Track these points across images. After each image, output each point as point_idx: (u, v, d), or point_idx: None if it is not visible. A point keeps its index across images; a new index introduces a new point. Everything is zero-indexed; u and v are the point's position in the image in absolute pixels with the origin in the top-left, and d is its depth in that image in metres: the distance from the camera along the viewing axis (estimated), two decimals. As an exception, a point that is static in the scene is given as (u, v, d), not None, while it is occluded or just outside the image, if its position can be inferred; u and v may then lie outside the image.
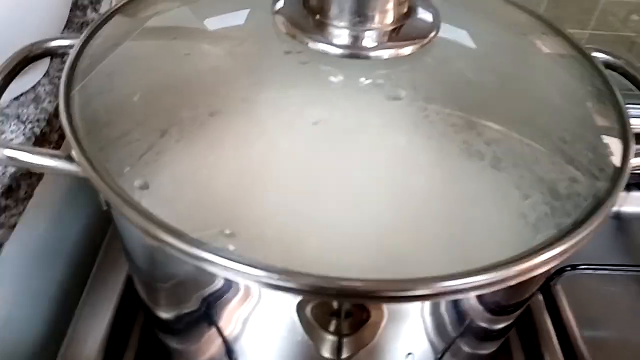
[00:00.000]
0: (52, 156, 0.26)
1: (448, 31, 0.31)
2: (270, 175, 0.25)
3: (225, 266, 0.21)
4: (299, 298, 0.24)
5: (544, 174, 0.25)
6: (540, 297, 0.46)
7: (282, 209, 0.24)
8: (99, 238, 0.47)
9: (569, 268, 0.47)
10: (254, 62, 0.29)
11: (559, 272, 0.47)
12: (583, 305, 0.47)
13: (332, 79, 0.28)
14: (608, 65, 0.34)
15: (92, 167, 0.23)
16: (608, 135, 0.29)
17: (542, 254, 0.22)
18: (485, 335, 0.32)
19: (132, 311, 0.43)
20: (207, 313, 0.28)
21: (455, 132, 0.26)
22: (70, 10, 0.47)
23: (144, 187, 0.23)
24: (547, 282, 0.47)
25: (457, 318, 0.27)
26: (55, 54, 0.33)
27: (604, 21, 0.61)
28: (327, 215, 0.24)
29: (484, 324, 0.30)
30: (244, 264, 0.21)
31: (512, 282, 0.22)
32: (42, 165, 0.26)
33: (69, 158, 0.26)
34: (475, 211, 0.24)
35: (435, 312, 0.26)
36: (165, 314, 0.33)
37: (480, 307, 0.27)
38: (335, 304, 0.25)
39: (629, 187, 0.59)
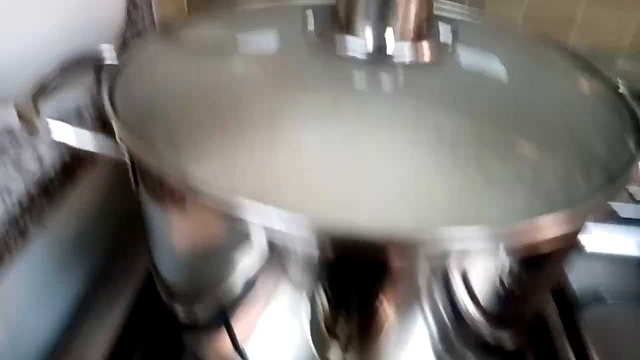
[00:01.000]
0: (94, 136, 0.29)
1: (466, 50, 0.33)
2: (301, 160, 0.27)
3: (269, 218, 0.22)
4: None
5: (562, 161, 0.26)
6: (563, 330, 0.45)
7: (314, 185, 0.26)
8: (124, 245, 0.49)
9: (593, 301, 0.46)
10: (287, 67, 0.32)
11: (582, 304, 0.46)
12: (607, 340, 0.46)
13: (358, 80, 0.30)
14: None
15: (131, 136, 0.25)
16: (622, 141, 0.30)
17: (553, 216, 0.22)
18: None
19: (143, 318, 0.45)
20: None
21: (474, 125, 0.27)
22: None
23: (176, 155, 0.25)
24: (571, 315, 0.46)
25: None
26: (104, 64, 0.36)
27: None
28: (354, 191, 0.25)
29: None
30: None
31: (531, 239, 0.22)
32: (82, 144, 0.29)
33: (108, 139, 0.29)
34: (492, 187, 0.25)
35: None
36: (188, 303, 0.34)
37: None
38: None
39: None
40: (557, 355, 0.43)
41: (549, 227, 0.23)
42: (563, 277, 0.49)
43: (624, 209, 0.57)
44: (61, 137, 0.28)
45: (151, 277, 0.42)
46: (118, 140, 0.27)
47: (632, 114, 0.31)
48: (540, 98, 0.33)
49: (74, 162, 0.41)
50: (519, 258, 0.25)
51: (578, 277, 0.49)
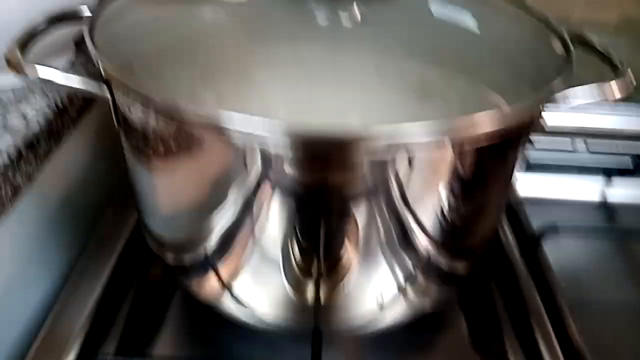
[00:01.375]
0: (76, 76, 0.32)
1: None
2: (268, 93, 0.30)
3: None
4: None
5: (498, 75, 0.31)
6: (522, 259, 0.49)
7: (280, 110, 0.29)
8: (111, 204, 0.52)
9: (551, 230, 0.49)
10: (255, 12, 0.36)
11: (540, 237, 0.49)
12: (566, 266, 0.49)
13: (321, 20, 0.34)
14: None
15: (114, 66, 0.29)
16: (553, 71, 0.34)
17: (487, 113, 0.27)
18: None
19: (128, 276, 0.47)
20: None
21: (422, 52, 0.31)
22: None
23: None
24: (531, 244, 0.49)
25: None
26: (82, 18, 0.39)
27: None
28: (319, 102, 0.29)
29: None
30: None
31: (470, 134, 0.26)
32: (70, 86, 0.32)
33: (94, 78, 0.32)
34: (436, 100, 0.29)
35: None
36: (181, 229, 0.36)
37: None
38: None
39: (610, 173, 0.62)
40: (519, 283, 0.47)
41: (484, 123, 0.27)
42: (521, 213, 0.53)
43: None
44: (46, 76, 0.31)
45: (139, 229, 0.44)
46: (101, 71, 0.30)
47: (568, 53, 0.35)
48: (486, 34, 0.36)
49: (57, 121, 0.43)
50: (461, 154, 0.28)
51: (537, 217, 0.53)
